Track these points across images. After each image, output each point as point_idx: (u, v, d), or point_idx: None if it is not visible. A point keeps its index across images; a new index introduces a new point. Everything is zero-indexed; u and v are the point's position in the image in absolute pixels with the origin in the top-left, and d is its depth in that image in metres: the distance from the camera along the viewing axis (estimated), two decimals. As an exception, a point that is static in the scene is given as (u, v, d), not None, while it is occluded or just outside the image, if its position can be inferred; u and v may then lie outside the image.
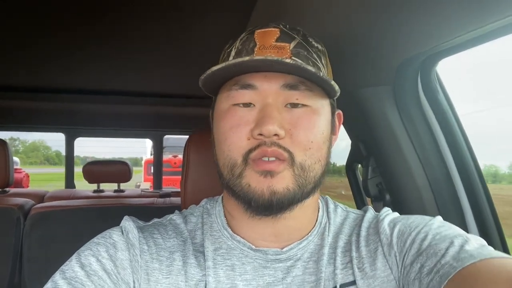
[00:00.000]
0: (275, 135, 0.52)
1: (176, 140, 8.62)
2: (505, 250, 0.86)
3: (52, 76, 1.83)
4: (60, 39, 1.35)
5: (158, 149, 2.73)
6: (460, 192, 0.90)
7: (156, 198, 1.85)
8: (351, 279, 0.56)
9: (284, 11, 0.90)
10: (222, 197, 0.66)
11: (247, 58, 0.50)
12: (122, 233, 0.58)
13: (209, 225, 0.62)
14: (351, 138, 1.14)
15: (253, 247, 0.58)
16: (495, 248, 0.82)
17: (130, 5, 1.07)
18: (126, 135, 2.82)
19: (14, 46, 1.42)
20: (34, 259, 1.45)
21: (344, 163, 1.22)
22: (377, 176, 1.04)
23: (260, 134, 0.52)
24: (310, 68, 0.50)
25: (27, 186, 6.64)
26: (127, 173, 2.30)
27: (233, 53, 0.57)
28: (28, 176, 7.34)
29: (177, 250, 0.58)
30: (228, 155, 0.55)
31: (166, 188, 2.68)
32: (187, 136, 1.01)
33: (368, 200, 1.16)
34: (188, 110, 2.21)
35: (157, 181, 2.73)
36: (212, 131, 0.62)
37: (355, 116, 1.05)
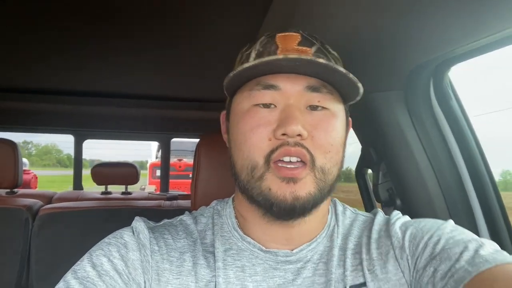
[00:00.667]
0: (299, 135, 0.52)
1: (179, 144, 8.60)
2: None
3: (62, 79, 1.85)
4: (69, 43, 1.37)
5: (166, 152, 2.74)
6: (472, 199, 0.89)
7: (163, 201, 1.86)
8: (361, 280, 0.56)
9: (295, 18, 0.91)
10: (233, 198, 0.66)
11: (281, 56, 0.50)
12: (133, 233, 0.58)
13: (220, 226, 0.62)
14: (361, 143, 1.14)
15: (264, 248, 0.58)
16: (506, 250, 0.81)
17: (140, 8, 1.08)
18: (134, 137, 2.84)
19: (24, 49, 1.44)
20: (42, 260, 1.46)
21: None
22: (387, 181, 1.03)
23: (284, 134, 0.52)
24: (341, 69, 0.51)
25: (35, 187, 6.69)
26: (135, 175, 2.31)
27: (253, 54, 0.57)
28: (36, 178, 7.39)
29: (187, 250, 0.58)
30: (248, 156, 0.54)
31: (172, 191, 2.69)
32: (191, 140, 1.01)
33: (378, 205, 1.15)
34: (196, 113, 2.23)
35: (164, 184, 2.74)
36: (228, 132, 0.62)
37: (366, 121, 1.05)
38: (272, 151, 0.52)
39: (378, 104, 0.97)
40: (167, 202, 1.82)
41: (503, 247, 0.84)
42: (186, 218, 0.65)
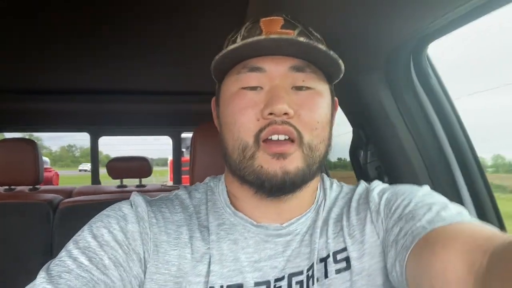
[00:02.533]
0: (285, 114, 0.54)
1: None
2: (500, 224, 0.87)
3: (76, 78, 1.95)
4: (81, 43, 1.45)
5: (177, 146, 2.82)
6: (456, 172, 0.91)
7: None
8: (342, 246, 0.59)
9: (277, 6, 0.94)
10: (225, 176, 0.69)
11: (262, 37, 0.52)
12: (132, 206, 0.60)
13: (213, 202, 0.65)
14: (352, 125, 1.17)
15: (255, 223, 0.61)
16: (490, 222, 0.83)
17: (147, 8, 1.14)
18: (146, 132, 2.94)
19: (38, 50, 1.53)
20: None
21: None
22: (376, 160, 1.06)
23: (271, 114, 0.53)
24: (322, 46, 0.53)
25: (57, 184, 6.94)
26: (148, 168, 2.39)
27: (239, 39, 0.59)
28: (58, 175, 7.67)
29: (183, 224, 0.61)
30: (238, 137, 0.56)
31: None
32: None
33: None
34: (204, 107, 2.28)
35: (177, 176, 2.83)
36: (218, 116, 0.64)
37: (353, 103, 1.08)
38: (261, 130, 0.54)
39: (362, 86, 1.00)
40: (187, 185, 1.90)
41: (485, 213, 0.87)
42: (181, 192, 0.68)
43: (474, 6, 0.68)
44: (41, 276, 0.49)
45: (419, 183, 0.95)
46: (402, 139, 0.97)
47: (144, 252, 0.57)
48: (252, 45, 0.53)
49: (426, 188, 0.61)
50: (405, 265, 0.48)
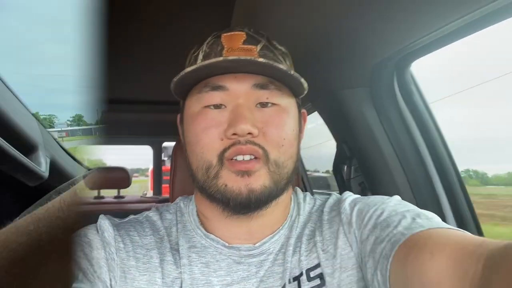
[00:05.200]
0: (249, 133, 0.53)
1: None
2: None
3: None
4: None
5: (158, 156, 2.76)
6: (438, 188, 0.92)
7: (155, 204, 1.88)
8: (315, 262, 0.57)
9: (261, 21, 0.93)
10: (194, 195, 0.66)
11: (220, 58, 0.51)
12: (98, 231, 0.58)
13: (183, 224, 0.63)
14: (335, 140, 1.16)
15: (227, 244, 0.59)
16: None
17: (122, 13, 1.11)
18: (126, 142, 2.86)
19: None
20: None
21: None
22: (359, 176, 1.06)
23: (234, 134, 0.53)
24: (282, 66, 0.53)
25: None
26: (127, 179, 2.33)
27: (200, 56, 0.58)
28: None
29: (154, 247, 0.59)
30: (201, 157, 0.55)
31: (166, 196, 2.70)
32: None
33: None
34: None
35: (157, 188, 2.77)
36: (183, 135, 0.63)
37: (337, 117, 1.07)
38: (225, 150, 0.54)
39: (346, 101, 1.00)
40: (159, 205, 1.84)
41: (467, 229, 0.88)
42: (152, 214, 0.66)
43: (458, 26, 0.69)
44: None
45: (402, 199, 0.95)
46: (386, 155, 0.97)
47: (110, 280, 0.54)
48: (211, 66, 0.52)
49: (397, 198, 0.60)
50: (388, 274, 0.46)
